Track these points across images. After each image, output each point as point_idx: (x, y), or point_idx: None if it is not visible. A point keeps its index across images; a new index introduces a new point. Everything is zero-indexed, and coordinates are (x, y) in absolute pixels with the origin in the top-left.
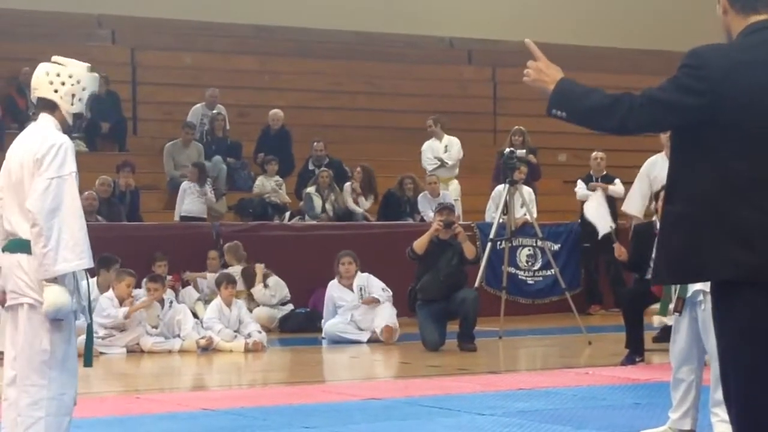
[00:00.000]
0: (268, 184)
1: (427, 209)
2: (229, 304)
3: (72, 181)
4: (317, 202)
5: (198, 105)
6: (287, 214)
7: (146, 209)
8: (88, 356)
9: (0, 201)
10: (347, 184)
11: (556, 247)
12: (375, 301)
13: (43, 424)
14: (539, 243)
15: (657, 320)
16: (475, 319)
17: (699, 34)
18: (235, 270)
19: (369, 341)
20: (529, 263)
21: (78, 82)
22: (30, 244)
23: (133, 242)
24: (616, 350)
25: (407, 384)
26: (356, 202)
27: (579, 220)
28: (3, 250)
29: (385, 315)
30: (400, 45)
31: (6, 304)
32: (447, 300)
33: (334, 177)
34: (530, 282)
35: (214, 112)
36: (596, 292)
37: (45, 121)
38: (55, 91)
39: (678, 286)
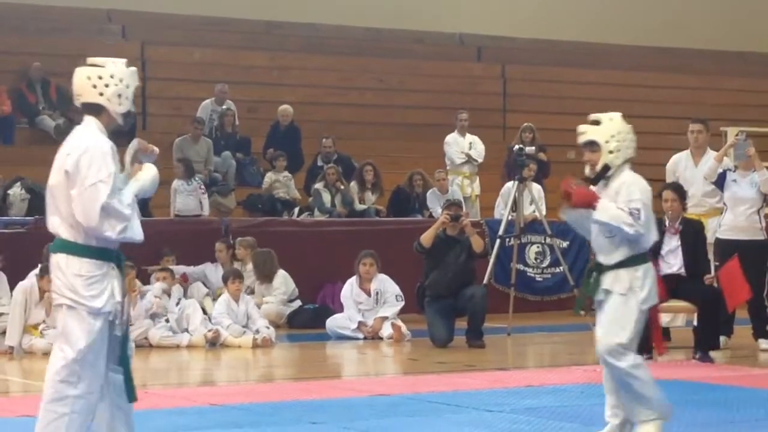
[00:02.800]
0: (277, 180)
1: (436, 205)
2: (236, 300)
3: (102, 187)
4: (326, 197)
5: (207, 100)
6: (296, 209)
7: (155, 204)
8: (129, 392)
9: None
10: (352, 184)
11: (565, 244)
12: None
13: (66, 420)
14: (548, 240)
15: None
16: (484, 316)
17: (706, 32)
18: (249, 267)
19: (365, 338)
20: (538, 260)
21: (121, 80)
22: (70, 245)
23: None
24: None
25: (415, 380)
26: (361, 201)
27: None
28: (49, 250)
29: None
30: (410, 41)
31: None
32: (455, 296)
33: (342, 173)
34: (539, 279)
35: (224, 107)
36: None
37: (88, 124)
38: (101, 94)
39: (588, 285)
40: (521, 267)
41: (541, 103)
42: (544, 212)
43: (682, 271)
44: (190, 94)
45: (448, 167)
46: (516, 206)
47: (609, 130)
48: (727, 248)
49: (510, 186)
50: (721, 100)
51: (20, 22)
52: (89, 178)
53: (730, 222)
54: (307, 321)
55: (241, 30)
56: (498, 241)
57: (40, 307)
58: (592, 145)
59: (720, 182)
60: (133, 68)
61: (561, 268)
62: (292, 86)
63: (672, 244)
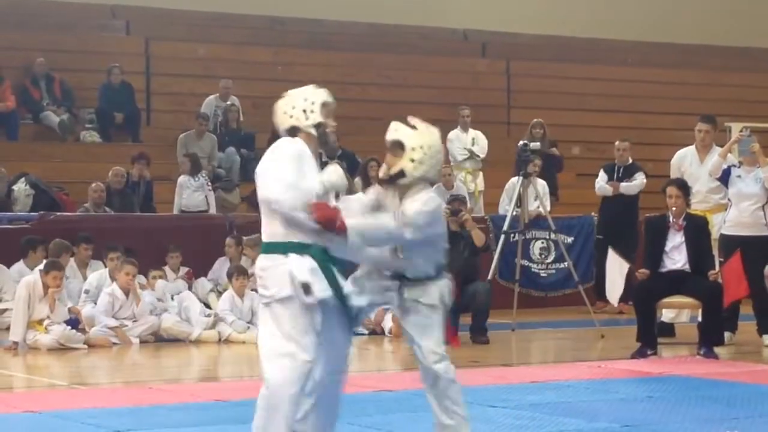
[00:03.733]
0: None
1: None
2: (241, 296)
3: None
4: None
5: (211, 96)
6: None
7: (159, 200)
8: None
9: None
10: (356, 180)
11: (570, 240)
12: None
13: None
14: (552, 236)
15: (664, 314)
16: (488, 312)
17: (711, 28)
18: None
19: (369, 333)
20: (543, 256)
21: (305, 99)
22: (266, 245)
23: (146, 233)
24: (628, 344)
25: (420, 376)
26: None
27: (593, 213)
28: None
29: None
30: (414, 37)
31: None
32: (459, 292)
33: (347, 169)
34: (543, 275)
35: (228, 103)
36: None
37: (284, 139)
38: (291, 117)
39: None
40: (525, 263)
41: (545, 99)
42: (548, 208)
43: (687, 267)
44: (195, 89)
45: (451, 164)
46: (520, 202)
47: (420, 139)
48: (731, 244)
49: (514, 181)
50: (725, 96)
51: (24, 17)
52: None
53: (734, 218)
54: None
55: (245, 26)
56: (502, 236)
57: (44, 302)
58: (397, 147)
59: (724, 178)
60: (323, 89)
61: (565, 263)
62: (296, 82)
63: (676, 240)
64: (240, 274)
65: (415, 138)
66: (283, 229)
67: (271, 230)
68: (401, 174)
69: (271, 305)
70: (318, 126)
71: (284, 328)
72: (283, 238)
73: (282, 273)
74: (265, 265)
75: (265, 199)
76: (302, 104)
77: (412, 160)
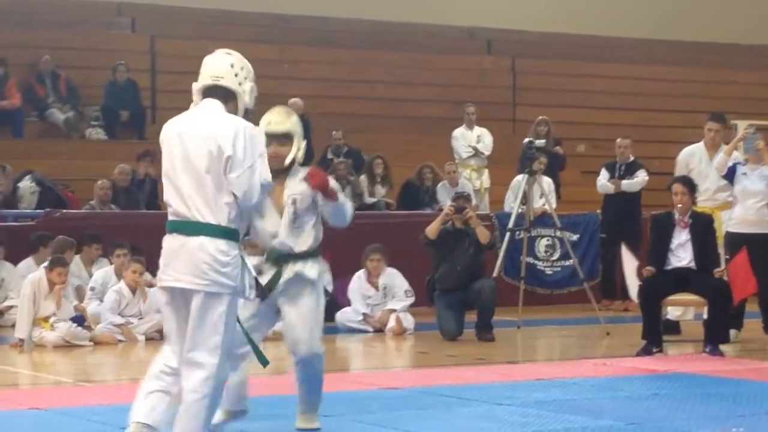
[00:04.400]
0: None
1: (446, 198)
2: None
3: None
4: None
5: None
6: None
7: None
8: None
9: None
10: (362, 177)
11: (575, 237)
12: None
13: (207, 401)
14: (558, 233)
15: (670, 312)
16: (493, 309)
17: (717, 25)
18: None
19: (375, 331)
20: (548, 253)
21: (254, 80)
22: (214, 227)
23: (152, 231)
24: (634, 341)
25: (425, 373)
26: (371, 194)
27: (598, 211)
28: (174, 231)
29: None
30: (420, 34)
31: (164, 284)
32: (465, 289)
33: (352, 166)
34: (549, 272)
35: None
36: (611, 286)
37: (217, 107)
38: (239, 83)
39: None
40: (531, 260)
41: (551, 97)
42: (554, 205)
43: (692, 264)
44: None
45: (456, 161)
46: (526, 199)
47: (298, 126)
48: (736, 242)
49: (520, 179)
50: (731, 94)
51: (30, 15)
52: (247, 160)
53: (739, 215)
54: None
55: (250, 23)
56: (508, 234)
57: (49, 299)
58: (285, 138)
59: (730, 175)
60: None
61: (571, 261)
62: (302, 79)
63: (682, 237)
64: None
65: (297, 126)
66: (234, 214)
67: (228, 211)
68: (293, 162)
69: (224, 297)
70: (247, 113)
71: (232, 322)
72: (236, 224)
73: (241, 265)
74: (230, 252)
75: (249, 197)
76: (251, 87)
77: (299, 148)
